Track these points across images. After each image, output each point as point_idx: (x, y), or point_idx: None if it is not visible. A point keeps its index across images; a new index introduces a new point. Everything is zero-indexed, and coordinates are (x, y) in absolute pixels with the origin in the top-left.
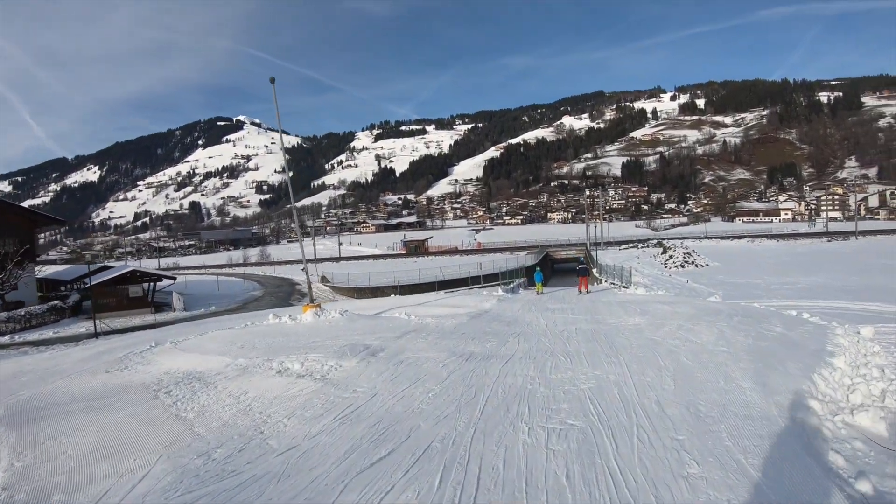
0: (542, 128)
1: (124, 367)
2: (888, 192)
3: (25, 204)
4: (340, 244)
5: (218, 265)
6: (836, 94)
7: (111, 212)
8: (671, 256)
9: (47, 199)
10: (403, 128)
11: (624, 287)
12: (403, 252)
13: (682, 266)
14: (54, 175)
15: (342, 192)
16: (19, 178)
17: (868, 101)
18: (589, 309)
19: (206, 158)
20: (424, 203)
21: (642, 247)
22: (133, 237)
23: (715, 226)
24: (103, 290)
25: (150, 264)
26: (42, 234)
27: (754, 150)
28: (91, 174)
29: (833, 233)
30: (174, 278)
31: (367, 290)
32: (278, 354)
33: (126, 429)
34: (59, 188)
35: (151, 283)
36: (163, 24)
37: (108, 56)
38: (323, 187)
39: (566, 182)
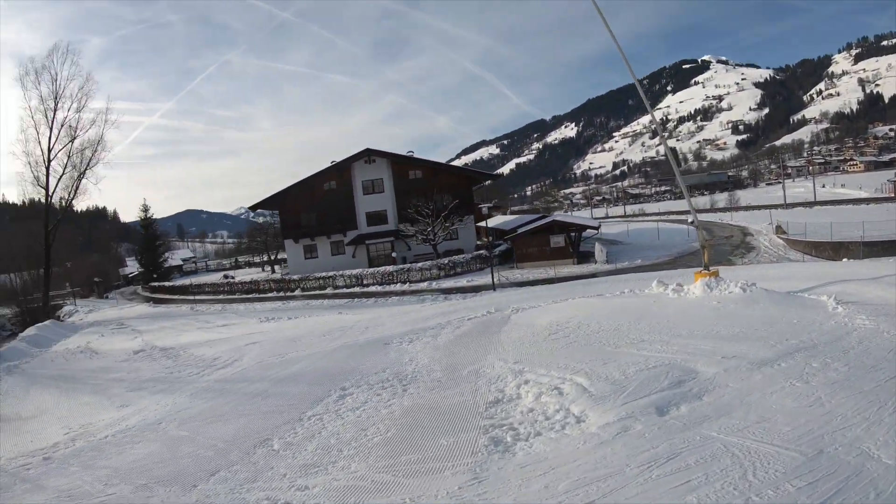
0: None
1: (412, 339)
2: None
3: (512, 163)
4: (823, 186)
5: (679, 211)
6: None
7: (591, 163)
8: None
9: (531, 157)
10: (885, 43)
11: None
12: (892, 195)
13: None
14: (535, 135)
15: (824, 125)
16: (505, 142)
17: None
18: None
19: (676, 104)
20: None
21: None
22: (612, 185)
23: None
24: (526, 240)
25: (617, 211)
26: (530, 187)
27: None
28: (568, 131)
29: None
30: (597, 227)
31: (826, 246)
32: (558, 366)
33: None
34: (540, 146)
35: (575, 233)
36: None
37: (561, 23)
38: (803, 122)
39: None
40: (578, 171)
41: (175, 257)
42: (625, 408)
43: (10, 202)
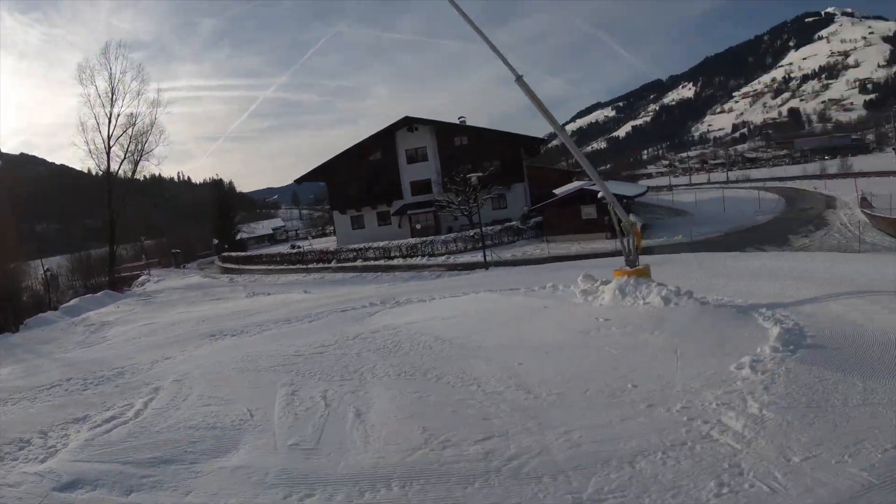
0: None
1: (250, 333)
2: None
3: (628, 126)
4: None
5: (788, 177)
6: None
7: (709, 125)
8: None
9: (647, 119)
10: None
11: None
12: None
13: None
14: (651, 96)
15: None
16: (620, 104)
17: None
18: None
19: (799, 60)
20: None
21: None
22: (731, 149)
23: None
24: (556, 211)
25: (717, 178)
26: (646, 150)
27: None
28: (686, 91)
29: None
30: (627, 198)
31: None
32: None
33: None
34: (657, 108)
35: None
36: None
37: None
38: None
39: None
40: (696, 134)
41: (264, 226)
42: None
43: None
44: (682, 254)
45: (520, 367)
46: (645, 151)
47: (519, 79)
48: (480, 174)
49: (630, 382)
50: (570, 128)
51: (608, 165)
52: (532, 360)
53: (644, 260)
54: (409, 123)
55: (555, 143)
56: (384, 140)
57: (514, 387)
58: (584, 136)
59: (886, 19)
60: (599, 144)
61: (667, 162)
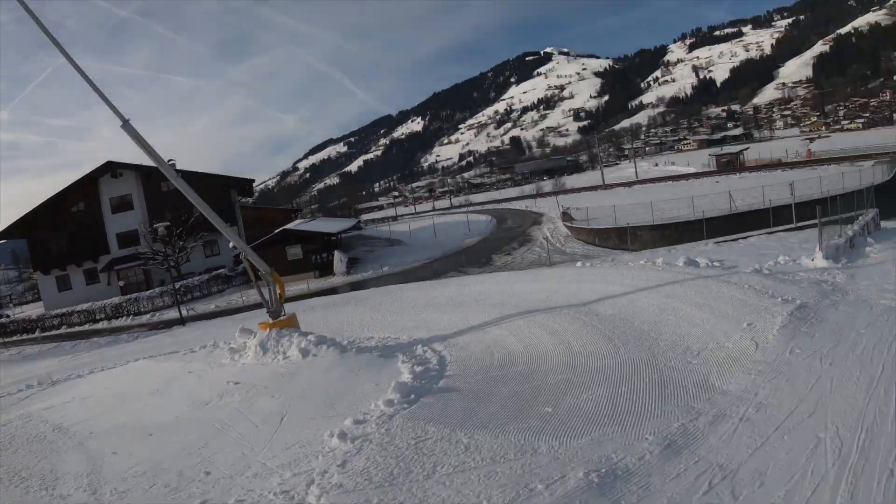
0: (874, 11)
1: None
2: None
3: (360, 160)
4: (657, 164)
5: (505, 199)
6: None
7: (437, 156)
8: None
9: (379, 153)
10: (717, 33)
11: None
12: (716, 169)
13: None
14: (382, 131)
15: (661, 109)
16: (352, 139)
17: None
18: None
19: (520, 94)
20: (751, 113)
21: None
22: (459, 176)
23: None
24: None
25: (442, 204)
26: (378, 183)
27: None
28: (415, 125)
29: None
30: (331, 235)
31: (611, 233)
32: None
33: None
34: (388, 142)
35: (331, 239)
36: None
37: (410, 19)
38: (641, 107)
39: None
40: (426, 165)
41: None
42: None
43: None
44: (370, 289)
45: (114, 456)
46: (377, 184)
47: (125, 124)
48: (167, 224)
49: (206, 468)
50: (303, 164)
51: (342, 200)
52: (130, 447)
53: (333, 300)
54: (112, 169)
55: (291, 179)
56: (87, 188)
57: (84, 487)
58: (317, 172)
59: (598, 57)
60: (332, 180)
61: (397, 193)
